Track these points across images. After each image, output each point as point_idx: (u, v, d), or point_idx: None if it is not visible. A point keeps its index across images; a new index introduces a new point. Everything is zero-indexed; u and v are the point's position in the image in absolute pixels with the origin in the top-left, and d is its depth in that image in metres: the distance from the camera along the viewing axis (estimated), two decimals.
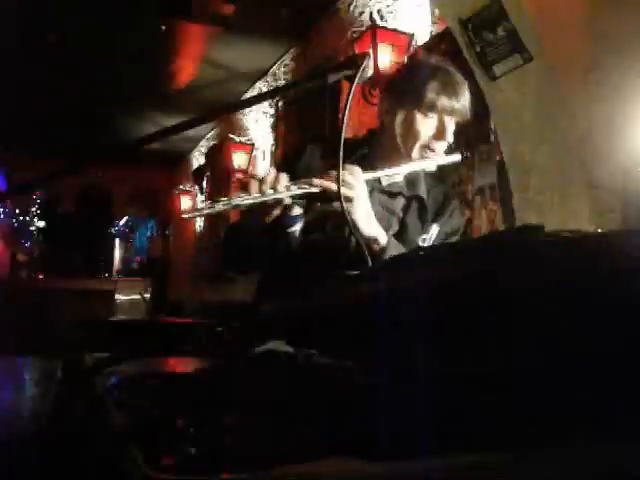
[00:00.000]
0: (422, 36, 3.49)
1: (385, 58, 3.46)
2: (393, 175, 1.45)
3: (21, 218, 8.62)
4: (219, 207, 1.24)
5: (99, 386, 0.65)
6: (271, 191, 1.23)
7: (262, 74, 5.80)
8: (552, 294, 0.37)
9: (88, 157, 1.86)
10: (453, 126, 1.42)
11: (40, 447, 0.53)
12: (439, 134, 1.38)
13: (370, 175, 1.32)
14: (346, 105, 1.11)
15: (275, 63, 5.57)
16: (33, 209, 8.80)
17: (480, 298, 0.41)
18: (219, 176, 6.73)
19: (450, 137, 1.41)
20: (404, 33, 3.53)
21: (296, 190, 1.25)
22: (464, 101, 1.41)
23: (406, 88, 1.43)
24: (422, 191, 1.46)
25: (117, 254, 10.20)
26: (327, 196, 1.27)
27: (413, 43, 3.54)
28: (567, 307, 0.36)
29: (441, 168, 1.46)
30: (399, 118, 1.42)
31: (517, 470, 0.32)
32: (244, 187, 1.26)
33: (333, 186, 1.23)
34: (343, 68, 1.16)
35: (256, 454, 0.37)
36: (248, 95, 6.09)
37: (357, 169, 1.28)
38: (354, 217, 1.25)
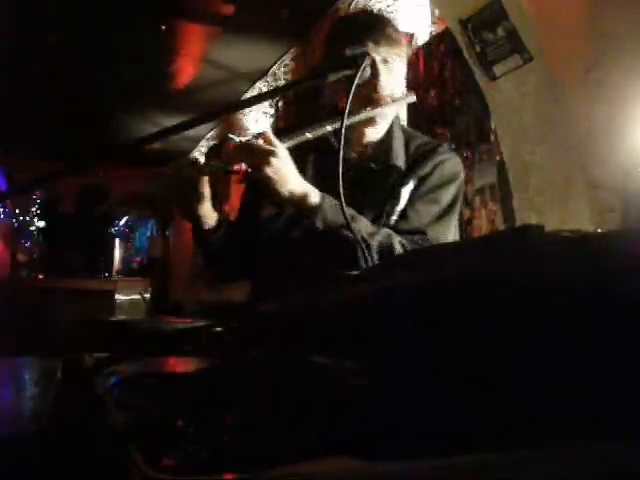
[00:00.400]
0: (422, 36, 3.49)
1: None
2: (355, 143, 1.33)
3: (21, 218, 8.61)
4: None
5: (99, 386, 0.65)
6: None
7: (262, 74, 5.80)
8: (552, 294, 0.37)
9: (88, 157, 1.86)
10: (393, 63, 1.31)
11: (40, 447, 0.53)
12: (372, 76, 1.26)
13: (299, 139, 1.22)
14: (346, 105, 1.11)
15: (275, 63, 5.57)
16: (33, 209, 8.80)
17: (479, 298, 0.41)
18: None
19: (388, 75, 1.29)
20: (404, 33, 3.53)
21: (205, 168, 1.23)
22: (383, 36, 1.29)
23: (323, 51, 1.41)
24: (398, 159, 1.35)
25: (117, 254, 10.20)
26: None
27: (413, 43, 3.54)
28: (567, 307, 0.36)
29: (429, 129, 1.40)
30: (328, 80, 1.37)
31: (517, 470, 0.32)
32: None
33: (225, 156, 1.20)
34: (343, 68, 1.16)
35: (256, 454, 0.37)
36: (248, 95, 6.09)
37: (267, 132, 1.20)
38: (268, 183, 1.18)
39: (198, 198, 1.29)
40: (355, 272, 0.64)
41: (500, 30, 2.43)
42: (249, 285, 1.47)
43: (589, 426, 0.33)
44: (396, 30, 1.34)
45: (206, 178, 1.28)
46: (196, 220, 1.33)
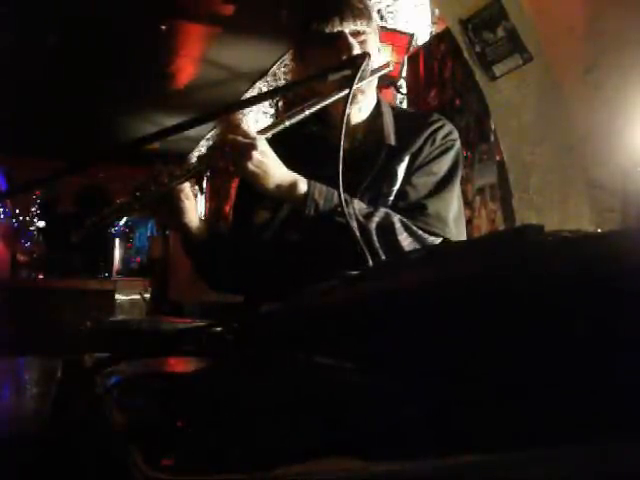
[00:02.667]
0: (422, 36, 3.50)
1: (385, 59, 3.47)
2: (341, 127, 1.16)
3: (21, 218, 8.62)
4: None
5: (99, 386, 0.65)
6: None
7: (262, 74, 5.81)
8: (552, 294, 0.37)
9: (88, 157, 1.86)
10: (363, 35, 1.25)
11: (40, 447, 0.53)
12: (346, 54, 1.21)
13: (278, 127, 1.16)
14: (345, 106, 1.10)
15: (275, 63, 5.58)
16: (33, 209, 8.81)
17: (479, 298, 0.41)
18: (219, 176, 6.73)
19: (361, 48, 1.22)
20: (404, 33, 3.54)
21: (183, 177, 1.16)
22: (349, 8, 1.23)
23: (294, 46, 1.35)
24: (390, 137, 1.29)
25: (117, 254, 10.20)
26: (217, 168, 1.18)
27: (413, 43, 3.54)
28: (567, 307, 0.36)
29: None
30: (302, 71, 1.31)
31: (517, 470, 0.32)
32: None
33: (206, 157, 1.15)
34: (343, 68, 1.16)
35: (256, 454, 0.37)
36: (248, 95, 6.09)
37: (243, 125, 1.16)
38: (252, 178, 1.13)
39: (179, 208, 1.23)
40: (356, 272, 0.64)
41: (500, 30, 2.43)
42: (245, 293, 1.39)
43: (589, 426, 0.33)
44: (361, 1, 1.27)
45: (187, 185, 1.22)
46: (181, 229, 1.27)
